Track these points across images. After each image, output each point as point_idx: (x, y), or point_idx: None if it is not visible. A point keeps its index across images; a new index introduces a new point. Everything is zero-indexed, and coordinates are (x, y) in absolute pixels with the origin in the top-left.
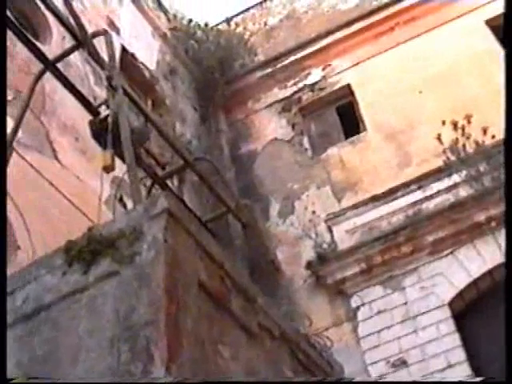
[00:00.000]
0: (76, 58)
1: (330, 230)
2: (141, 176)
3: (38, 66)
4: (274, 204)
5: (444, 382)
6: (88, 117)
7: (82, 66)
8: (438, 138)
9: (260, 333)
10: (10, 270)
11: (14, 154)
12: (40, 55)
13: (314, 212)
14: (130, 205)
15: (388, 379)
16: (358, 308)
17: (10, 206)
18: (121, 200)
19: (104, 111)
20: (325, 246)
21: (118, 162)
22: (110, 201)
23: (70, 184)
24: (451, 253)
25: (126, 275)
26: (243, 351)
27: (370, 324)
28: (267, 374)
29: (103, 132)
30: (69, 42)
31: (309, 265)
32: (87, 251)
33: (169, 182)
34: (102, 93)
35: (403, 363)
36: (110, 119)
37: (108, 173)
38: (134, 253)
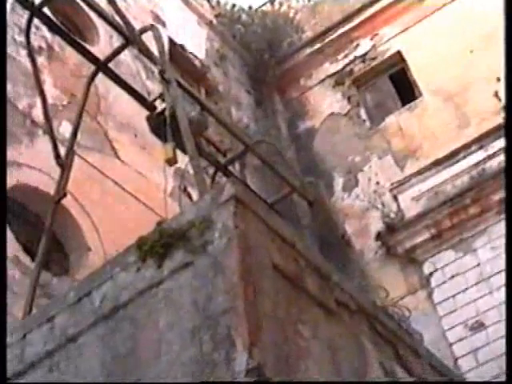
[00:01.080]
0: (126, 55)
1: (395, 198)
2: (203, 165)
3: (89, 68)
4: (337, 179)
5: (444, 383)
6: (144, 112)
7: (133, 62)
8: (496, 95)
9: (338, 309)
10: (83, 272)
11: (76, 157)
12: (91, 57)
13: (377, 183)
14: (194, 195)
15: (467, 342)
16: (430, 274)
17: (76, 208)
18: (185, 191)
19: (159, 105)
20: (392, 215)
21: (178, 153)
22: (175, 193)
23: (133, 181)
24: None
25: (200, 265)
26: (323, 329)
27: (445, 289)
28: (348, 349)
29: (162, 126)
30: (117, 41)
31: (378, 236)
32: (159, 245)
33: (231, 169)
34: (154, 87)
35: (481, 325)
36: (167, 112)
37: (171, 166)
38: (206, 242)
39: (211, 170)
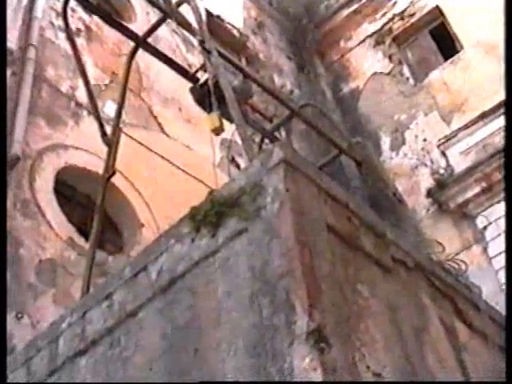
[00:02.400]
0: (163, 30)
1: (444, 154)
2: (249, 133)
3: (128, 46)
4: (384, 138)
5: (444, 382)
6: (187, 85)
7: (171, 37)
8: None
9: (394, 266)
10: (137, 249)
11: (122, 135)
12: (129, 34)
13: (425, 139)
14: (242, 164)
15: None
16: (484, 228)
17: (126, 186)
18: (233, 161)
19: (201, 76)
20: (441, 171)
21: (223, 123)
22: (223, 164)
23: (180, 154)
24: None
25: (255, 231)
26: (381, 287)
27: (500, 242)
28: (407, 307)
29: (206, 96)
30: (154, 17)
31: (429, 193)
32: (212, 214)
33: (277, 135)
34: (195, 60)
35: None
36: (210, 82)
37: (218, 135)
38: (259, 207)
39: (257, 138)
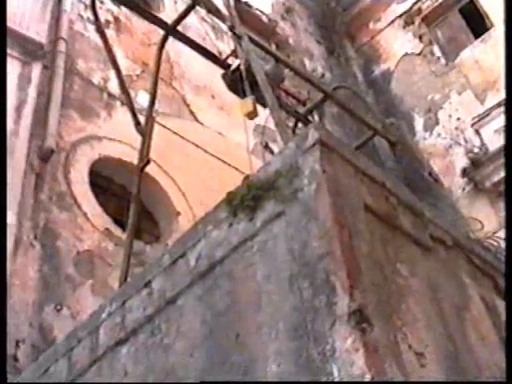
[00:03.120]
0: (192, 18)
1: (477, 133)
2: (282, 117)
3: (158, 35)
4: (417, 119)
5: (443, 383)
6: (218, 72)
7: (201, 25)
8: None
9: (433, 245)
10: (174, 237)
11: (156, 124)
12: (159, 22)
13: (458, 118)
14: (276, 150)
15: None
16: None
17: (161, 175)
18: (266, 147)
19: (233, 62)
20: (476, 150)
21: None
22: (257, 150)
23: (214, 142)
24: None
25: (292, 213)
26: (420, 266)
27: None
28: (447, 285)
29: (238, 82)
30: (182, 5)
31: (464, 172)
32: (249, 198)
33: (310, 119)
34: (225, 47)
35: None
36: (242, 66)
37: (252, 119)
38: (296, 189)
39: (291, 123)
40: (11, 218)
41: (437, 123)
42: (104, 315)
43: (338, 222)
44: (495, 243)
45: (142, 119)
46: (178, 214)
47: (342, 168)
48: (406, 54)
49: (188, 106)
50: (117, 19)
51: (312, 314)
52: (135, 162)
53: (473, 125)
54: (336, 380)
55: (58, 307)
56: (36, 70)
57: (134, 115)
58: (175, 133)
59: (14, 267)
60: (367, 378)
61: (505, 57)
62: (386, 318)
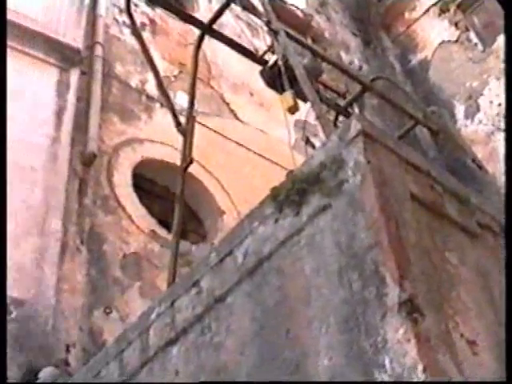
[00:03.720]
0: (227, 16)
1: None
2: (323, 111)
3: (193, 35)
4: (458, 107)
5: (443, 382)
6: (255, 69)
7: (236, 23)
8: None
9: (481, 232)
10: (220, 236)
11: (197, 124)
12: (195, 22)
13: (499, 104)
14: (317, 144)
15: None
16: None
17: (204, 175)
18: (308, 142)
19: (270, 58)
20: None
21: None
22: (298, 146)
23: (255, 139)
24: None
25: (338, 206)
26: (469, 254)
27: None
28: (496, 272)
29: (276, 77)
30: (216, 4)
31: None
32: (294, 193)
33: (350, 111)
34: (261, 43)
35: None
36: (280, 62)
37: (293, 113)
38: (341, 182)
39: (331, 117)
40: (56, 223)
41: (478, 110)
42: (153, 316)
43: (385, 212)
44: None
45: (182, 120)
46: (223, 212)
47: (386, 158)
48: (443, 42)
49: (227, 104)
50: (152, 21)
51: (362, 306)
52: (178, 162)
53: None
54: (388, 372)
55: (107, 310)
56: (74, 75)
57: (175, 116)
58: (216, 132)
59: (62, 272)
60: (419, 368)
61: (505, 56)
62: (436, 307)
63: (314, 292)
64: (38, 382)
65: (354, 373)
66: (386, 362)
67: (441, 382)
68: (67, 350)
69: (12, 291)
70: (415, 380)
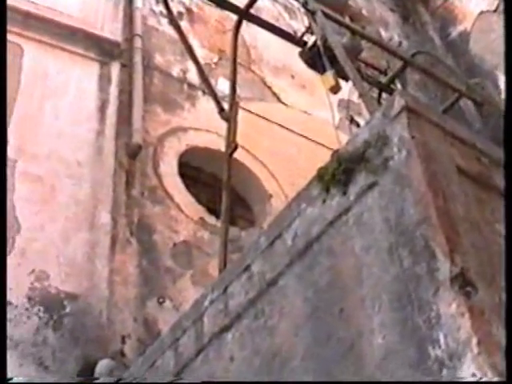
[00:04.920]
0: (264, 0)
1: None
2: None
3: (231, 21)
4: (500, 77)
5: (443, 382)
6: (294, 51)
7: (273, 6)
8: None
9: None
10: (269, 220)
11: (240, 110)
12: (232, 8)
13: None
14: (362, 123)
15: None
16: None
17: (250, 159)
18: (352, 121)
19: (309, 39)
20: None
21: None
22: (342, 126)
23: (299, 121)
24: None
25: (385, 183)
26: None
27: None
28: None
29: (316, 58)
30: None
31: None
32: (340, 172)
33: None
34: (299, 25)
35: None
36: (319, 42)
37: (335, 93)
38: (386, 158)
39: (374, 94)
40: (105, 217)
41: None
42: (206, 303)
43: (432, 186)
44: None
45: (225, 106)
46: (270, 196)
47: (430, 132)
48: (482, 13)
49: (269, 88)
50: (189, 10)
51: (414, 282)
52: (222, 149)
53: None
54: (442, 347)
55: (161, 300)
56: (115, 69)
57: (218, 102)
58: (260, 116)
59: (113, 265)
60: (474, 341)
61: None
62: (489, 280)
63: (365, 270)
64: (95, 374)
65: (407, 349)
66: (440, 337)
67: (441, 381)
68: (123, 342)
69: (65, 286)
70: (469, 354)
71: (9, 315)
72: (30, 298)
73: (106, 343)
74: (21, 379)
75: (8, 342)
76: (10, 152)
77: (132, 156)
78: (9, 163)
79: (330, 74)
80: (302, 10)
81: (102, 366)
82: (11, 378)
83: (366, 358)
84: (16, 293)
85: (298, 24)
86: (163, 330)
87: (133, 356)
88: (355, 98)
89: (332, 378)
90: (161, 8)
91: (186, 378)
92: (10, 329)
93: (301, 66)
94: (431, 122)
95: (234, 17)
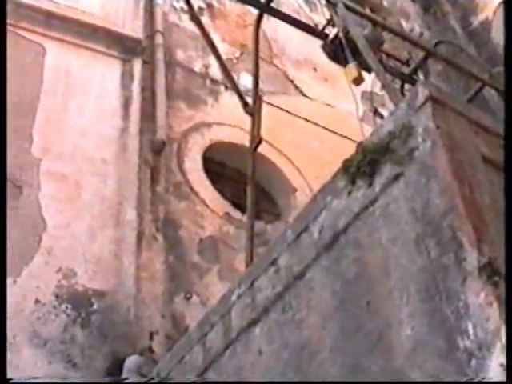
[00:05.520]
0: None
1: None
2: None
3: (252, 16)
4: None
5: (442, 382)
6: (316, 44)
7: None
8: None
9: None
10: (294, 214)
11: (264, 104)
12: (252, 2)
13: None
14: (386, 114)
15: None
16: None
17: (274, 153)
18: (376, 113)
19: (330, 32)
20: None
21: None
22: (366, 117)
23: (323, 114)
24: None
25: (411, 173)
26: None
27: None
28: None
29: (338, 50)
30: None
31: None
32: (365, 164)
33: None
34: (320, 18)
35: None
36: (341, 34)
37: (358, 85)
38: (411, 149)
39: (396, 86)
40: (131, 213)
41: None
42: (234, 298)
43: (458, 176)
44: None
45: (248, 100)
46: (295, 189)
47: (455, 122)
48: (503, 1)
49: (292, 81)
50: (210, 5)
51: (442, 272)
52: (246, 143)
53: None
54: (471, 337)
55: (188, 296)
56: (137, 66)
57: (241, 97)
58: (283, 109)
59: (140, 261)
60: (503, 331)
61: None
62: None
63: (393, 262)
64: (123, 370)
65: (436, 340)
66: (469, 327)
67: (440, 382)
68: (151, 338)
69: (92, 283)
70: (498, 344)
71: (37, 313)
72: (57, 296)
73: (134, 340)
74: (22, 379)
75: (36, 340)
76: (35, 151)
77: (156, 152)
78: (34, 162)
79: (352, 66)
80: (323, 2)
81: (131, 362)
82: (11, 379)
83: (394, 350)
84: (44, 291)
85: (318, 17)
86: (191, 326)
87: (161, 352)
88: (378, 89)
89: (360, 371)
90: (181, 4)
91: (214, 372)
92: (39, 327)
93: (323, 59)
94: (455, 111)
95: (255, 11)
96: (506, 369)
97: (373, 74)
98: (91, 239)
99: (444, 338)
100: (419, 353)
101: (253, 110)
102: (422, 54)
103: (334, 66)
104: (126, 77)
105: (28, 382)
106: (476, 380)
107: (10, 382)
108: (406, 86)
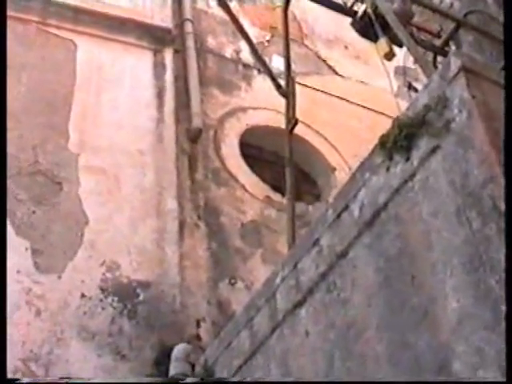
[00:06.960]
0: None
1: None
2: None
3: None
4: None
5: (442, 382)
6: (346, 21)
7: None
8: None
9: None
10: (334, 193)
11: (297, 85)
12: None
13: None
14: (420, 88)
15: None
16: None
17: (311, 134)
18: (410, 87)
19: (359, 8)
20: None
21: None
22: (401, 93)
23: (357, 92)
24: None
25: (448, 145)
26: None
27: None
28: None
29: (368, 26)
30: None
31: None
32: (402, 138)
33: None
34: None
35: None
36: (369, 10)
37: (390, 60)
38: (448, 121)
39: (429, 58)
40: (172, 203)
41: None
42: (278, 281)
43: (496, 145)
44: None
45: (281, 82)
46: (334, 169)
47: (490, 91)
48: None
49: (324, 61)
50: None
51: (484, 243)
52: (282, 126)
53: None
54: None
55: (232, 281)
56: (168, 55)
57: (274, 80)
58: (317, 89)
59: (183, 250)
60: None
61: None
62: None
63: (435, 235)
64: (171, 359)
65: (482, 312)
66: None
67: (440, 382)
68: (198, 325)
69: (136, 275)
70: None
71: (83, 308)
72: (102, 289)
73: (181, 328)
74: (23, 380)
75: (84, 334)
76: (72, 147)
77: (193, 140)
78: (71, 158)
79: (383, 42)
80: None
81: (179, 350)
82: (11, 379)
83: (440, 324)
84: (89, 285)
85: None
86: (237, 311)
87: (208, 339)
88: (411, 63)
89: (407, 346)
90: None
91: (262, 356)
92: (86, 321)
93: (353, 36)
94: (490, 80)
95: None
96: (506, 369)
97: (404, 49)
98: (133, 231)
99: (490, 309)
100: (465, 326)
101: (287, 92)
102: (452, 25)
103: (365, 43)
104: (158, 67)
105: (28, 381)
106: (476, 380)
107: (10, 381)
108: (439, 58)
